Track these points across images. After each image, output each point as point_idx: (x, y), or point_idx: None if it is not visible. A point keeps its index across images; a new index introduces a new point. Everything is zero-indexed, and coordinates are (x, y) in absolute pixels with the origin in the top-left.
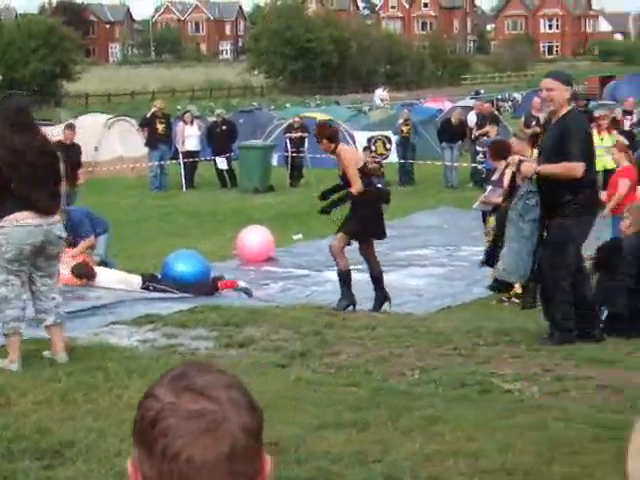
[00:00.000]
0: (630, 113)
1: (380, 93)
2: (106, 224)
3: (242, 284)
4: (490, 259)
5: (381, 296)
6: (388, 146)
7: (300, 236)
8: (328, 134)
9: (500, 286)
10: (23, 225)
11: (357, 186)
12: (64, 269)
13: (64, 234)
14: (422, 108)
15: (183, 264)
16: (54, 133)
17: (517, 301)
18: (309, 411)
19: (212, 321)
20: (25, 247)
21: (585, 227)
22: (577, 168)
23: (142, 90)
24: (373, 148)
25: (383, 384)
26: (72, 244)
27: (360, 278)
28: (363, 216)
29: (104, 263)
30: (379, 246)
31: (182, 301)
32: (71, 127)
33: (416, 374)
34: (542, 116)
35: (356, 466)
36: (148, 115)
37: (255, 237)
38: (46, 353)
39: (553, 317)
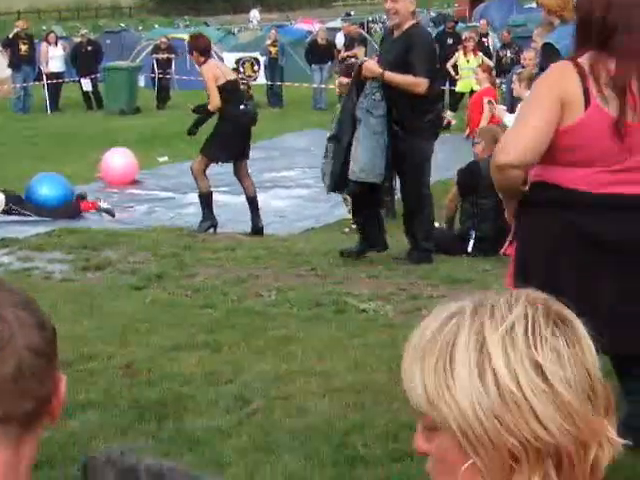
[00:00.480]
0: (485, 36)
1: (255, 14)
2: None
3: (104, 205)
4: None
5: (256, 223)
6: (256, 68)
7: (166, 158)
8: (201, 46)
9: (356, 187)
10: None
11: (213, 102)
12: None
13: None
14: (292, 29)
15: (47, 187)
16: None
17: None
18: (162, 333)
19: (70, 244)
20: None
21: (433, 145)
22: (421, 84)
23: (6, 10)
24: (241, 70)
25: (238, 305)
26: None
27: (228, 200)
28: (224, 137)
29: None
30: None
31: (41, 224)
32: None
33: (272, 295)
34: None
35: (207, 387)
36: (10, 36)
37: (119, 159)
38: None
39: (414, 236)
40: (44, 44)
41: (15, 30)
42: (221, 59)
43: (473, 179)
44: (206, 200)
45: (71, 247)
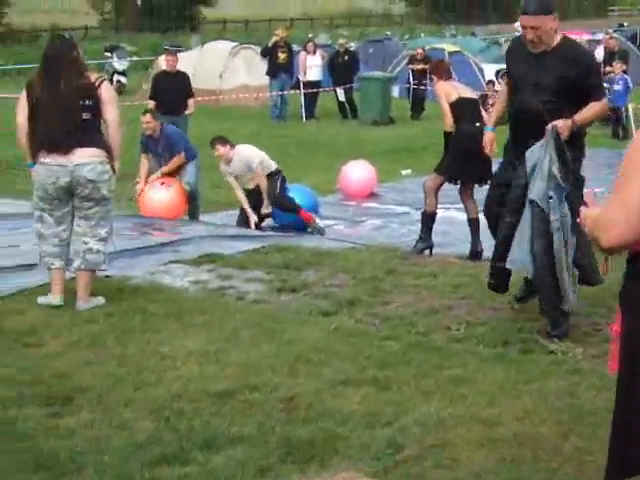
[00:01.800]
0: None
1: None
2: (195, 151)
3: (319, 223)
4: None
5: (475, 247)
6: None
7: (409, 172)
8: (439, 72)
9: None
10: (46, 164)
11: (445, 120)
12: (154, 197)
13: (100, 176)
14: None
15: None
16: (191, 57)
17: None
18: (335, 365)
19: (272, 263)
20: (48, 186)
21: None
22: (606, 104)
23: (280, 16)
24: (500, 81)
25: (422, 339)
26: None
27: (462, 218)
28: (457, 155)
29: (192, 194)
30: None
31: (251, 240)
32: (171, 54)
33: (461, 329)
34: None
35: (363, 429)
36: (270, 44)
37: (358, 172)
38: (40, 299)
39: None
40: (303, 53)
41: (274, 39)
42: (481, 70)
43: None
44: (427, 220)
45: (273, 266)
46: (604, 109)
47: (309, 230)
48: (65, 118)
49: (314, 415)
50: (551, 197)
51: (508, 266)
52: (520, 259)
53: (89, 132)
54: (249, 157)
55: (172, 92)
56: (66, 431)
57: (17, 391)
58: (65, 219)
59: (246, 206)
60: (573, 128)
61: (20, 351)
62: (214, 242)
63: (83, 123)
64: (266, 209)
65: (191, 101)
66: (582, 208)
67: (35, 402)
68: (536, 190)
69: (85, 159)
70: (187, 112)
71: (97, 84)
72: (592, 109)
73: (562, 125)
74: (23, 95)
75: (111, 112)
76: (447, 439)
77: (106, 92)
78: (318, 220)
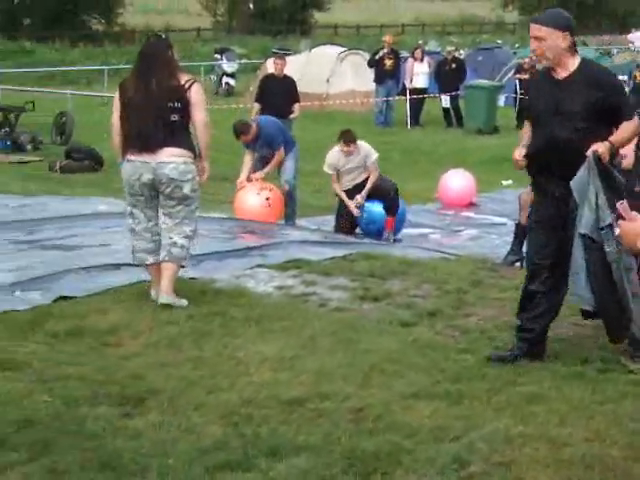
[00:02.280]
0: None
1: (638, 36)
2: (294, 142)
3: (391, 237)
4: None
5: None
6: None
7: (510, 182)
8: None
9: None
10: (131, 161)
11: None
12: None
13: (182, 175)
14: None
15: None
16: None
17: None
18: (408, 377)
19: (358, 271)
20: (134, 182)
21: None
22: (637, 122)
23: (392, 23)
24: None
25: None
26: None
27: None
28: None
29: (290, 194)
30: None
31: (340, 246)
32: (281, 57)
33: None
34: None
35: (430, 443)
36: (377, 56)
37: (458, 181)
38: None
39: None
40: (410, 60)
41: (382, 51)
42: None
43: None
44: (520, 233)
45: (358, 274)
46: (638, 127)
47: (384, 236)
48: (154, 118)
49: (382, 427)
50: (602, 229)
51: (571, 301)
52: (577, 293)
53: (176, 133)
54: (370, 152)
55: (278, 96)
56: (134, 432)
57: (91, 390)
58: (153, 215)
59: (343, 196)
60: (613, 150)
61: (98, 350)
62: (303, 248)
63: (171, 124)
64: (361, 198)
65: (297, 105)
66: (621, 222)
67: (107, 402)
68: (585, 222)
69: (168, 158)
70: (292, 116)
71: (187, 86)
72: (626, 130)
73: (603, 150)
74: (117, 95)
75: (199, 114)
76: (514, 457)
77: (196, 94)
78: (392, 236)
